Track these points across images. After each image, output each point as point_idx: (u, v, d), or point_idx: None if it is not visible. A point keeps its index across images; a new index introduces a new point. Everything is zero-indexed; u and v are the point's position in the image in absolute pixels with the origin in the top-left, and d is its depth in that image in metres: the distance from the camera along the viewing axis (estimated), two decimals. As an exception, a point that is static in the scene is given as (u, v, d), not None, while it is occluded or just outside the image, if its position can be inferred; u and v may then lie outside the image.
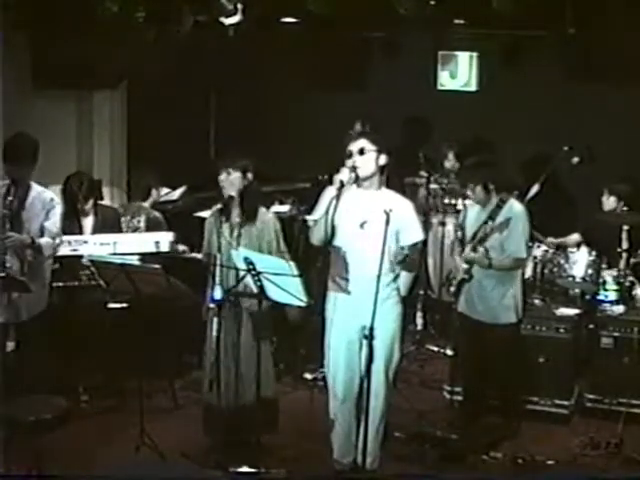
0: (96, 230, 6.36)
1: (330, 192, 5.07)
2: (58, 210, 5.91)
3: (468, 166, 6.11)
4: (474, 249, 5.66)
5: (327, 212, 4.90)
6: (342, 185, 4.92)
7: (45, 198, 5.84)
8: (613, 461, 5.61)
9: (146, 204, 6.90)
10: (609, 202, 6.87)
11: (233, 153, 5.53)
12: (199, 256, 5.83)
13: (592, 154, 7.20)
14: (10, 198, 5.63)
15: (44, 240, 5.79)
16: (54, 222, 5.86)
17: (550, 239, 7.01)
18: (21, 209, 5.75)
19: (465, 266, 5.71)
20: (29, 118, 7.11)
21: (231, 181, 5.41)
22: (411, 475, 5.48)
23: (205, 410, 5.65)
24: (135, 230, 6.70)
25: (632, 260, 6.59)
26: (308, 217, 5.26)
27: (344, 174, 4.97)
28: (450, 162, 7.86)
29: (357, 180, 5.01)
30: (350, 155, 5.04)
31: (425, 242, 7.64)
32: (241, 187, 5.44)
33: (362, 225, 5.04)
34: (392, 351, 5.16)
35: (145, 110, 8.28)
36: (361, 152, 5.03)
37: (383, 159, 5.09)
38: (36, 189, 5.83)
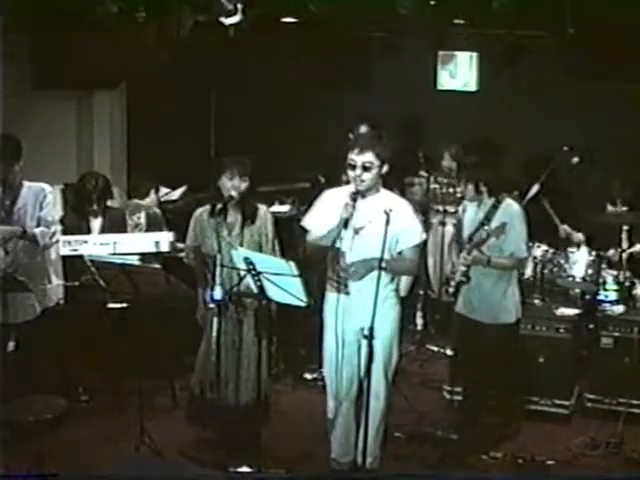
0: (104, 231, 6.35)
1: (328, 196, 5.08)
2: (50, 198, 5.92)
3: (464, 164, 6.11)
4: (470, 253, 5.65)
5: (333, 228, 4.92)
6: (351, 207, 4.90)
7: (37, 189, 5.86)
8: (613, 461, 5.62)
9: (144, 202, 6.90)
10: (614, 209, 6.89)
11: (240, 159, 5.48)
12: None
13: (592, 154, 7.20)
14: None
15: (38, 229, 5.80)
16: (48, 211, 5.88)
17: (565, 226, 7.03)
18: (14, 207, 5.76)
19: (463, 268, 5.70)
20: (29, 118, 7.12)
21: (237, 186, 5.39)
22: (411, 475, 5.47)
23: (203, 409, 5.63)
24: (136, 227, 6.70)
25: (625, 251, 6.57)
26: (304, 218, 5.25)
27: (349, 194, 4.94)
28: (447, 161, 7.86)
29: (359, 192, 4.97)
30: (354, 167, 4.98)
31: (425, 242, 7.65)
32: (244, 190, 5.44)
33: (358, 231, 5.01)
34: (391, 351, 5.17)
35: (145, 110, 8.28)
36: (365, 168, 4.97)
37: (385, 169, 5.06)
38: (27, 185, 5.85)
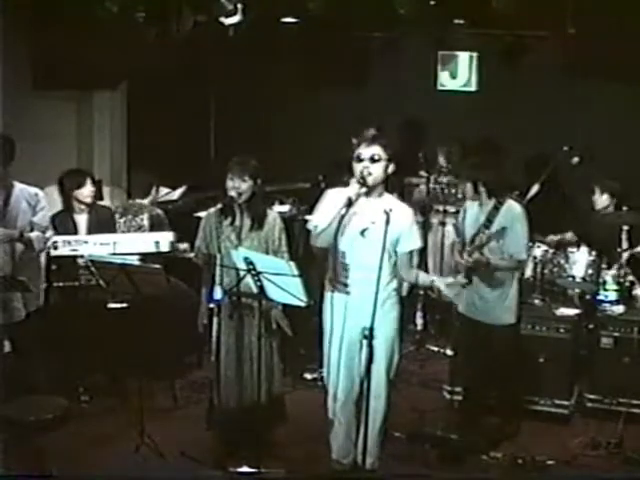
0: (91, 228, 6.36)
1: (331, 196, 5.07)
2: (44, 203, 5.93)
3: (463, 164, 6.12)
4: (470, 255, 5.65)
5: (331, 224, 4.90)
6: (350, 202, 4.89)
7: (29, 193, 5.86)
8: (613, 461, 5.61)
9: (146, 202, 6.89)
10: (602, 200, 6.92)
11: (242, 159, 5.43)
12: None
13: (592, 154, 7.20)
14: None
15: (34, 234, 5.80)
16: (42, 216, 5.89)
17: (551, 237, 7.03)
18: (6, 207, 5.75)
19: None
20: (29, 119, 7.12)
21: (243, 188, 5.34)
22: (411, 475, 5.48)
23: (211, 410, 5.62)
24: (139, 229, 6.69)
25: (626, 252, 6.57)
26: (309, 217, 5.22)
27: (352, 189, 4.93)
28: (441, 159, 7.87)
29: (366, 186, 4.94)
30: (361, 160, 4.99)
31: (425, 242, 7.66)
32: (250, 193, 5.40)
33: (363, 232, 5.01)
34: (392, 351, 5.16)
35: (145, 110, 8.28)
36: (373, 159, 4.98)
37: (391, 168, 5.06)
38: (18, 187, 5.85)
